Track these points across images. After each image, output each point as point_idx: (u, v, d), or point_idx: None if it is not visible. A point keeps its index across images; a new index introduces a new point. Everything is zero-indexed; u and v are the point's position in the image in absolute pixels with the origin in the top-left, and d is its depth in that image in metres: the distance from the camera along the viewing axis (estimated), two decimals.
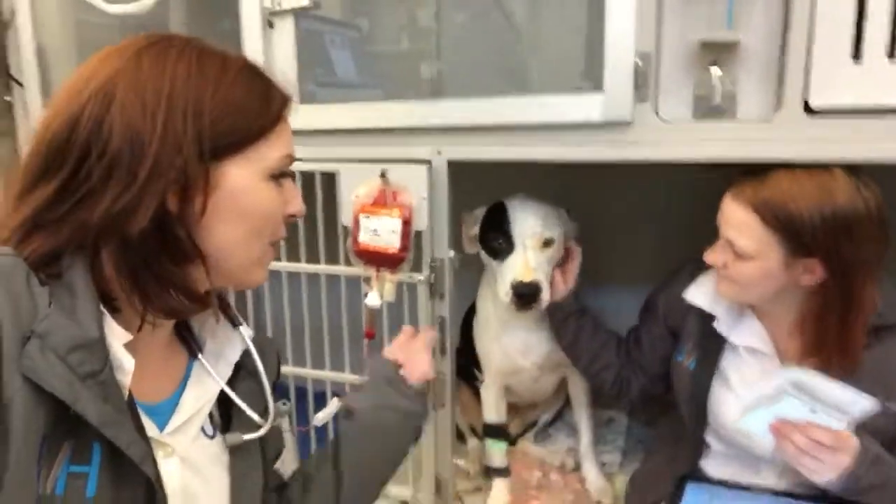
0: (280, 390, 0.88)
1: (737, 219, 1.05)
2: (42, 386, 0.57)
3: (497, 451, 1.56)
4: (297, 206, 0.76)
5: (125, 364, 0.64)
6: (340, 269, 1.34)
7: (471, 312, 1.66)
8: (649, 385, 1.35)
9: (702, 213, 1.14)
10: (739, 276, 1.07)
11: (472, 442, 1.76)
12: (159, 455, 0.68)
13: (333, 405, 1.29)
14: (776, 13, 1.02)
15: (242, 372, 0.81)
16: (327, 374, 1.43)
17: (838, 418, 1.02)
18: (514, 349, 1.48)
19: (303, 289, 1.39)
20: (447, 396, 1.36)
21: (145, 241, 0.63)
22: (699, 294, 1.20)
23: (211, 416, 0.77)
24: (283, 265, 1.38)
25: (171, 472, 0.70)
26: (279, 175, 0.72)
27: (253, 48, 1.29)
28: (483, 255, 1.40)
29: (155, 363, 0.73)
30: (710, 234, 1.12)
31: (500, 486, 1.54)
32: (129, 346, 0.65)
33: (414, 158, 1.23)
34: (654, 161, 1.09)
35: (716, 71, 1.05)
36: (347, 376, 1.40)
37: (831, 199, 0.99)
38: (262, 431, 0.79)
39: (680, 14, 1.05)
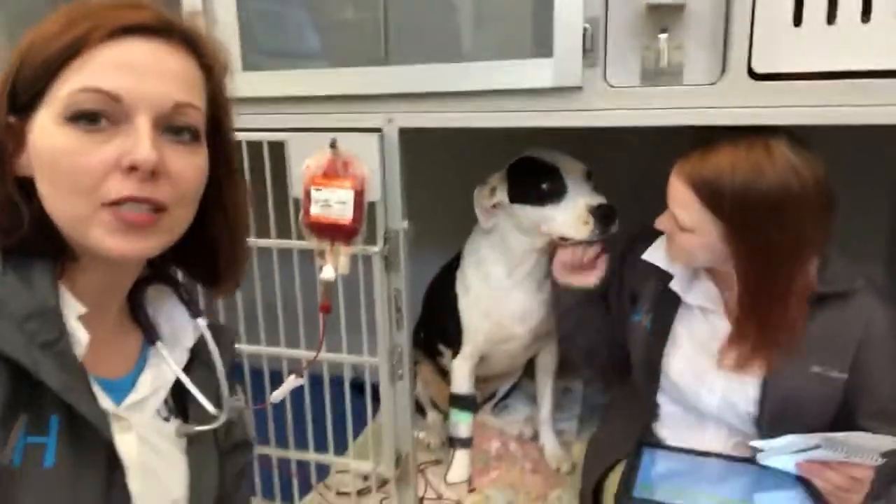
0: (235, 371, 0.85)
1: (678, 194, 1.08)
2: (1, 352, 0.56)
3: (464, 422, 1.56)
4: (133, 154, 0.58)
5: (79, 336, 0.63)
6: (293, 242, 1.31)
7: (434, 286, 1.65)
8: (617, 351, 1.36)
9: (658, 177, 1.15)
10: (684, 244, 1.11)
11: (433, 415, 1.77)
12: (116, 429, 0.67)
13: (290, 382, 1.28)
14: None
15: (197, 361, 0.79)
16: (283, 351, 1.41)
17: (873, 458, 1.03)
18: (510, 316, 1.47)
19: (254, 264, 1.37)
20: (406, 370, 1.35)
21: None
22: (657, 255, 1.23)
23: (166, 401, 0.76)
24: None
25: (129, 446, 0.68)
26: (82, 115, 0.59)
27: (191, 4, 1.23)
28: (519, 209, 1.37)
29: (108, 340, 0.71)
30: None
31: (462, 456, 1.55)
32: (82, 320, 0.64)
33: (364, 127, 1.21)
34: (603, 126, 1.10)
35: (663, 36, 1.05)
36: (303, 352, 1.39)
37: (761, 178, 1.00)
38: (216, 424, 0.76)
39: None
